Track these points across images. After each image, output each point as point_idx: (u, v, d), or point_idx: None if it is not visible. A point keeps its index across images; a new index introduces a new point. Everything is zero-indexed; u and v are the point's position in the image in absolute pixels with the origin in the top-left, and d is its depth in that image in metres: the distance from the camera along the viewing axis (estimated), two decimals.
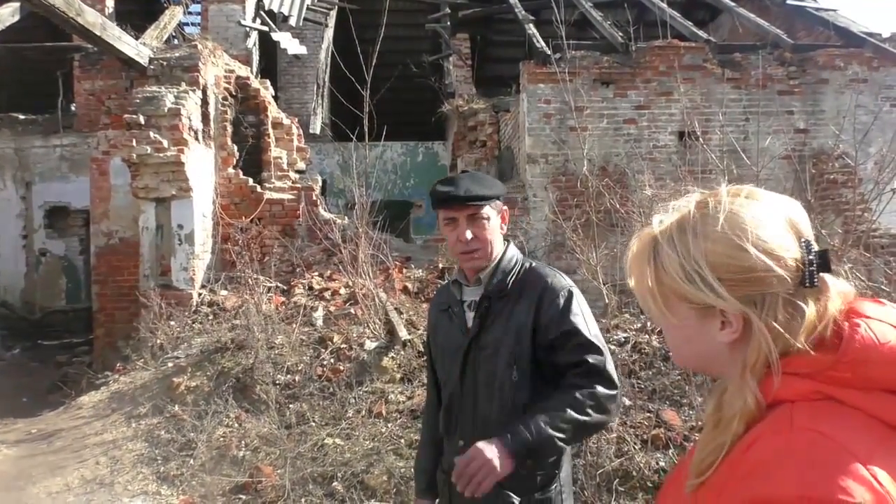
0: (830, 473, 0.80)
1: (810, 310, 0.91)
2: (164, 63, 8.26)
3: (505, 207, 2.14)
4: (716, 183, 6.06)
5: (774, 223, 0.94)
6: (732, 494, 0.87)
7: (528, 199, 8.80)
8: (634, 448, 4.01)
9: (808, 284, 0.91)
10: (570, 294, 1.98)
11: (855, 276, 5.43)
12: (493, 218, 2.04)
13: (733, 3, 11.86)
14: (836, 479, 0.80)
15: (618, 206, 6.02)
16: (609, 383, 1.89)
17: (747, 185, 1.02)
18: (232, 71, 9.09)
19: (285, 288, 7.34)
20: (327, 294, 6.93)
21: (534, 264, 2.12)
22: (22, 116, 12.08)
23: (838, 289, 0.93)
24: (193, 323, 6.79)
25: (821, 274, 0.92)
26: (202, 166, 8.10)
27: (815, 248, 0.93)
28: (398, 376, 5.17)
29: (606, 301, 5.76)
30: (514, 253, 2.13)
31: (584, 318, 1.96)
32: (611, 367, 1.93)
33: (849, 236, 5.51)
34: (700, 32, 10.12)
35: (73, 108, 11.86)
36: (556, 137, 8.96)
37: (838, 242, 5.43)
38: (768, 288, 0.91)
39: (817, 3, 12.07)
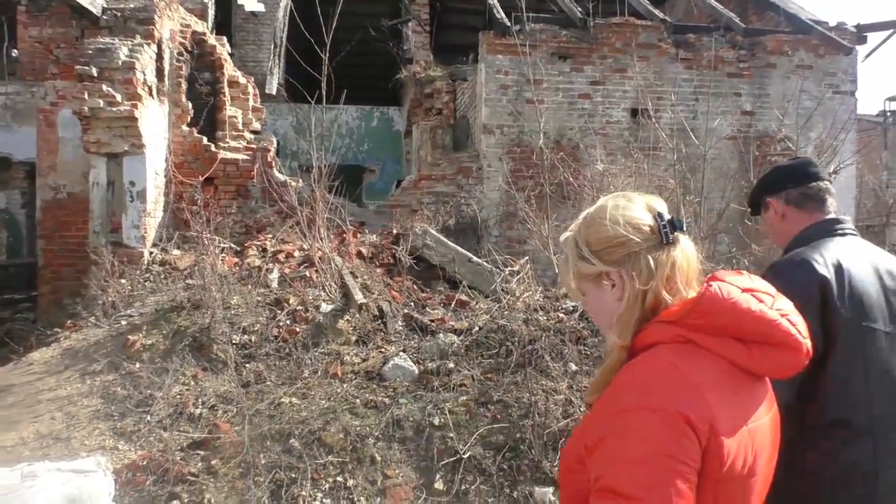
0: (669, 392, 1.15)
1: (669, 257, 1.26)
2: (118, 14, 8.03)
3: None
4: (664, 160, 6.35)
5: (633, 206, 1.31)
6: (609, 403, 1.21)
7: (482, 169, 8.94)
8: (580, 410, 4.26)
9: (665, 241, 1.27)
10: None
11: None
12: None
13: None
14: (672, 396, 1.15)
15: (570, 179, 6.21)
16: None
17: (621, 192, 1.40)
18: (188, 26, 8.89)
19: (239, 249, 7.34)
20: (281, 256, 6.97)
21: None
22: None
23: (688, 245, 1.30)
24: (145, 281, 6.75)
25: (676, 233, 1.28)
26: (156, 123, 7.95)
27: (667, 216, 1.28)
28: (353, 339, 5.30)
29: (556, 271, 5.98)
30: None
31: None
32: None
33: None
34: (656, 11, 10.32)
35: (14, 55, 11.38)
36: (512, 109, 9.08)
37: None
38: (632, 248, 1.27)
39: None
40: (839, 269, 1.93)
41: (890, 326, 1.92)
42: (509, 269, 5.71)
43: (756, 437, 1.22)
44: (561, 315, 5.34)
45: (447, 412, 4.39)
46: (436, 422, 4.39)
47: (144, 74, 7.69)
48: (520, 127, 8.98)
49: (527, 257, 5.86)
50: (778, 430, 1.34)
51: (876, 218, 12.26)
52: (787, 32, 10.16)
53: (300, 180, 8.29)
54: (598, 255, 1.30)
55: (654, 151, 7.40)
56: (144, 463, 4.18)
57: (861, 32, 10.31)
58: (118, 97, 7.27)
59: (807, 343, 1.25)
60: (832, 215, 2.11)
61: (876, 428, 1.87)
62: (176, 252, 7.29)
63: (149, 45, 7.90)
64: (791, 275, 1.92)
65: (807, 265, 1.94)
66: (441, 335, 5.24)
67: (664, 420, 1.13)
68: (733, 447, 1.16)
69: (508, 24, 9.32)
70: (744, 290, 1.24)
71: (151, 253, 7.35)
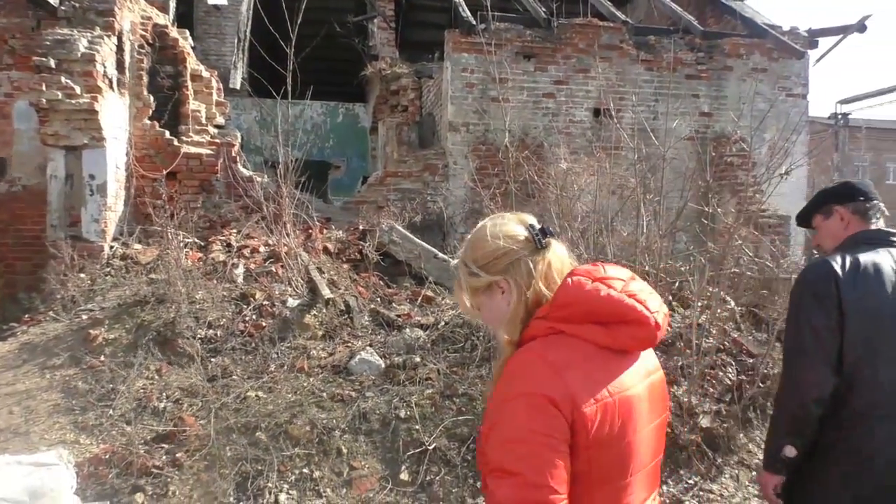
0: (535, 379, 1.35)
1: (545, 258, 1.48)
2: (77, 5, 7.88)
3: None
4: (626, 160, 6.47)
5: (508, 222, 1.53)
6: (497, 394, 1.41)
7: (448, 166, 9.01)
8: None
9: (539, 246, 1.48)
10: None
11: (743, 252, 5.98)
12: None
13: None
14: (537, 381, 1.34)
15: (535, 177, 6.31)
16: None
17: (497, 214, 1.61)
18: (149, 18, 8.76)
19: (202, 244, 7.27)
20: (246, 252, 6.93)
21: None
22: None
23: (559, 248, 1.52)
24: (106, 276, 6.65)
25: (548, 239, 1.49)
26: (116, 116, 7.83)
27: (538, 226, 1.50)
28: (320, 333, 5.32)
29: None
30: None
31: None
32: None
33: (741, 215, 6.02)
34: (618, 13, 10.52)
35: None
36: (477, 107, 9.17)
37: (731, 220, 5.93)
38: (514, 256, 1.47)
39: None
40: (854, 264, 2.23)
41: None
42: None
43: (626, 405, 1.40)
44: None
45: (413, 405, 4.46)
46: (402, 414, 4.45)
47: (105, 67, 7.57)
48: (485, 125, 9.08)
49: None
50: (659, 397, 1.53)
51: None
52: (743, 36, 10.46)
53: (265, 175, 8.25)
54: (485, 268, 1.50)
55: (616, 151, 7.55)
56: (107, 456, 4.15)
57: (813, 37, 10.67)
58: (77, 89, 7.14)
59: (654, 316, 1.43)
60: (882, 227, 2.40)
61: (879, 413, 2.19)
62: (137, 246, 7.20)
63: (109, 37, 7.78)
64: (805, 273, 2.35)
65: (825, 264, 2.26)
66: (407, 330, 5.29)
67: (530, 402, 1.33)
68: (597, 416, 1.35)
69: (474, 22, 9.41)
70: (595, 280, 1.44)
71: (112, 247, 7.24)
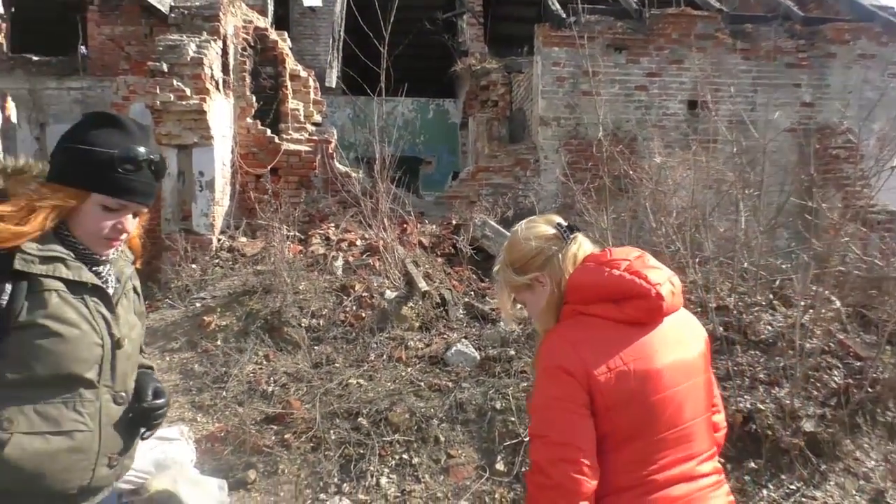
0: (554, 353, 1.55)
1: (571, 251, 1.65)
2: (185, 11, 8.37)
3: None
4: (722, 153, 6.34)
5: (536, 224, 1.72)
6: (537, 369, 1.59)
7: (539, 161, 9.04)
8: None
9: (567, 240, 1.66)
10: None
11: (849, 249, 5.75)
12: None
13: None
14: (555, 355, 1.54)
15: (629, 171, 6.26)
16: None
17: (532, 217, 1.81)
18: (251, 21, 9.19)
19: (302, 237, 7.61)
20: (344, 245, 7.21)
21: None
22: (35, 58, 12.11)
23: (586, 242, 1.70)
24: (215, 267, 7.07)
25: (574, 234, 1.68)
26: (222, 115, 8.28)
27: (564, 223, 1.70)
28: (417, 325, 5.49)
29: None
30: None
31: None
32: None
33: (847, 211, 5.79)
34: (713, 2, 10.23)
35: (83, 52, 11.90)
36: (568, 101, 9.14)
37: (837, 216, 5.71)
38: (547, 253, 1.66)
39: None
40: None
41: None
42: None
43: (644, 370, 1.55)
44: None
45: (509, 397, 4.55)
46: (497, 406, 4.55)
47: (211, 69, 8.02)
48: (576, 119, 9.04)
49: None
50: (696, 361, 1.66)
51: None
52: (847, 20, 9.95)
53: (361, 171, 8.52)
54: (523, 268, 1.69)
55: (713, 144, 7.39)
56: (222, 434, 4.45)
57: None
58: (187, 91, 7.60)
59: (654, 288, 1.58)
60: None
61: None
62: (243, 239, 7.60)
63: (215, 41, 8.23)
64: None
65: None
66: (501, 323, 5.39)
67: (548, 374, 1.55)
68: (612, 382, 1.52)
69: (564, 16, 9.37)
70: (600, 264, 1.62)
71: (219, 240, 7.68)
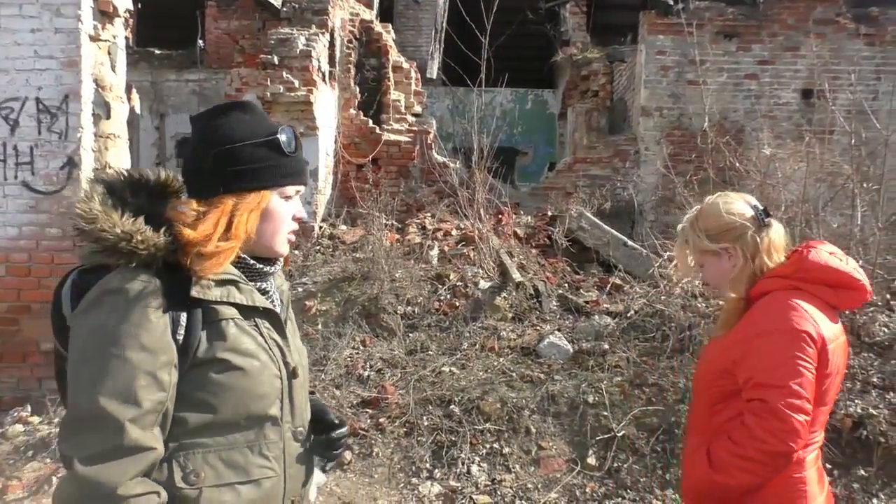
0: (795, 318, 1.75)
1: (768, 235, 1.87)
2: (296, 6, 8.69)
3: None
4: (838, 144, 6.00)
5: (734, 200, 1.91)
6: (747, 330, 1.81)
7: (639, 152, 8.82)
8: None
9: (763, 224, 1.87)
10: None
11: None
12: None
13: None
14: (796, 320, 1.75)
15: (737, 164, 6.03)
16: None
17: (721, 192, 2.00)
18: (357, 14, 9.43)
19: (399, 226, 7.77)
20: (439, 234, 7.31)
21: None
22: (157, 52, 12.93)
23: (778, 225, 1.90)
24: (316, 253, 7.35)
25: (769, 219, 1.88)
26: (327, 106, 8.56)
27: (761, 206, 1.89)
28: (510, 315, 5.52)
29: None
30: None
31: None
32: None
33: None
34: None
35: (201, 45, 12.59)
36: (672, 91, 8.87)
37: None
38: (742, 231, 1.87)
39: None
40: None
41: None
42: (667, 254, 5.67)
43: (839, 350, 1.83)
44: (721, 303, 5.25)
45: (602, 391, 4.50)
46: (590, 400, 4.51)
47: (319, 62, 8.29)
48: (680, 109, 8.76)
49: None
50: (847, 348, 1.93)
51: None
52: None
53: (458, 161, 8.60)
54: (716, 237, 1.89)
55: (829, 135, 6.98)
56: None
57: None
58: (296, 83, 7.91)
59: (868, 285, 1.86)
60: None
61: None
62: (343, 227, 7.85)
63: (323, 34, 8.50)
64: None
65: None
66: (595, 317, 5.33)
67: (792, 335, 1.73)
68: (833, 354, 1.78)
69: (671, 2, 9.07)
70: (829, 254, 1.86)
71: (321, 227, 7.96)
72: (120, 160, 6.26)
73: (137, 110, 11.14)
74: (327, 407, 1.71)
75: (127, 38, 10.92)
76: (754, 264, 1.87)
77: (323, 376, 5.08)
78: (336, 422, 1.67)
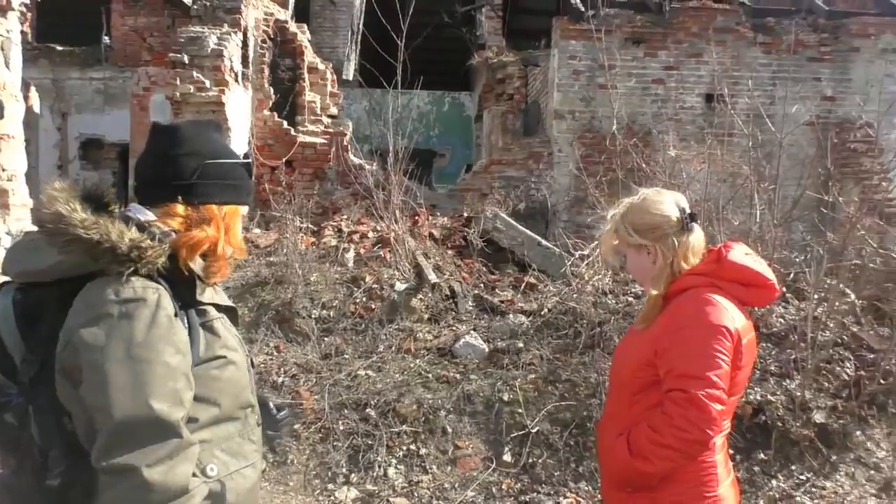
0: (714, 313, 1.85)
1: (688, 240, 1.96)
2: (207, 3, 8.45)
3: None
4: (739, 147, 6.27)
5: (664, 201, 1.99)
6: (670, 324, 1.90)
7: (553, 154, 9.00)
8: None
9: (686, 228, 1.95)
10: None
11: (866, 242, 5.67)
12: None
13: None
14: (716, 315, 1.85)
15: (643, 164, 6.23)
16: None
17: (656, 188, 2.11)
18: (271, 14, 9.26)
19: (315, 229, 7.65)
20: (356, 237, 7.25)
21: None
22: (59, 48, 12.26)
23: (699, 231, 2.00)
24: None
25: (693, 223, 1.96)
26: (240, 107, 8.35)
27: (688, 210, 1.96)
28: (426, 317, 5.51)
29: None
30: None
31: None
32: None
33: (864, 204, 5.71)
34: None
35: (106, 42, 12.04)
36: (584, 94, 9.10)
37: (853, 210, 5.64)
38: (664, 232, 1.96)
39: None
40: None
41: None
42: (579, 252, 5.81)
43: (751, 344, 1.96)
44: (630, 299, 5.42)
45: (516, 389, 4.56)
46: (505, 398, 4.56)
47: (231, 62, 8.09)
48: (591, 112, 9.00)
49: (595, 242, 5.93)
50: (756, 342, 2.08)
51: None
52: (873, 15, 9.79)
53: (374, 163, 8.56)
54: (639, 233, 1.98)
55: (729, 137, 7.31)
56: None
57: None
58: (207, 83, 7.68)
59: (776, 283, 2.00)
60: None
61: None
62: (257, 231, 7.67)
63: (235, 33, 8.30)
64: None
65: None
66: (510, 316, 5.40)
67: (713, 330, 1.83)
68: (746, 348, 1.90)
69: (583, 9, 9.31)
70: (746, 255, 1.98)
71: None
72: (15, 162, 5.92)
73: (37, 109, 10.55)
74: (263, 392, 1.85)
75: (24, 32, 10.32)
76: (672, 265, 1.96)
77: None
78: (276, 405, 1.85)
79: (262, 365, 5.08)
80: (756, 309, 5.09)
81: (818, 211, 5.95)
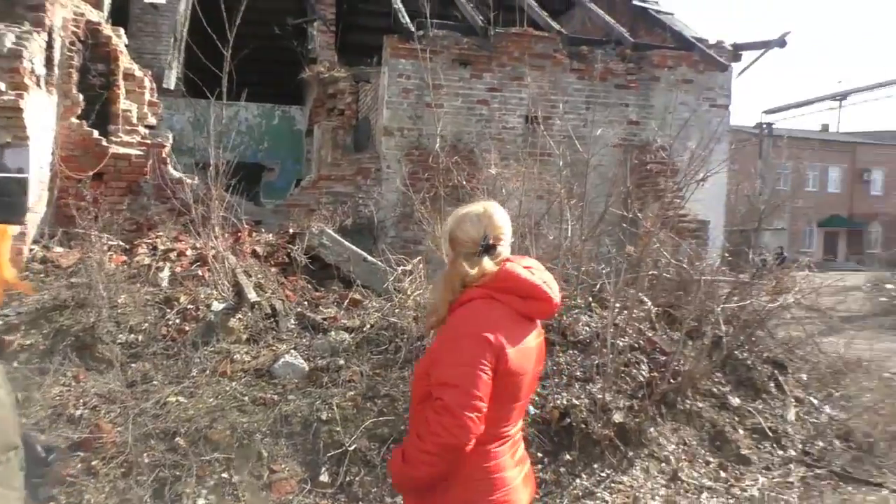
0: (478, 323, 1.96)
1: (478, 264, 2.05)
2: None
3: None
4: (555, 165, 6.63)
5: (474, 224, 2.10)
6: (447, 333, 2.02)
7: (381, 170, 9.08)
8: None
9: (480, 252, 2.05)
10: None
11: (661, 255, 6.22)
12: None
13: None
14: (479, 325, 1.95)
15: (464, 182, 6.44)
16: None
17: (487, 201, 2.28)
18: (82, 14, 8.56)
19: (128, 247, 7.15)
20: (173, 255, 6.84)
21: None
22: None
23: (489, 261, 2.06)
24: (24, 280, 6.48)
25: (485, 254, 2.05)
26: (42, 114, 7.63)
27: (488, 239, 2.07)
28: (244, 337, 5.31)
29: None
30: None
31: None
32: None
33: (657, 219, 6.27)
34: (553, 23, 10.76)
35: None
36: (412, 112, 9.28)
37: (650, 224, 6.17)
38: (462, 249, 2.09)
39: (658, 5, 13.13)
40: None
41: None
42: (402, 268, 5.88)
43: (525, 352, 2.04)
44: None
45: (335, 407, 4.50)
46: (323, 416, 4.49)
47: (32, 63, 7.37)
48: (419, 130, 9.18)
49: (420, 257, 6.04)
50: (541, 355, 2.18)
51: (749, 223, 13.12)
52: (671, 48, 10.83)
53: (196, 177, 8.16)
54: (449, 242, 2.15)
55: (546, 157, 7.75)
56: None
57: (737, 51, 11.13)
58: (2, 86, 6.94)
59: (555, 297, 2.10)
60: None
61: None
62: (59, 249, 7.03)
63: (38, 33, 7.57)
64: None
65: None
66: (333, 333, 5.34)
67: (473, 339, 1.93)
68: (513, 356, 1.97)
69: (412, 29, 9.50)
70: (524, 268, 2.07)
71: (32, 250, 7.05)
72: None
73: None
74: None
75: None
76: (463, 279, 2.07)
77: (24, 420, 4.46)
78: (45, 446, 1.80)
79: (58, 397, 4.64)
80: (564, 318, 5.43)
81: (621, 226, 6.45)
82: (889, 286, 21.95)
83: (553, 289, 2.10)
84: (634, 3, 12.84)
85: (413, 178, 8.04)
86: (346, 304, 5.88)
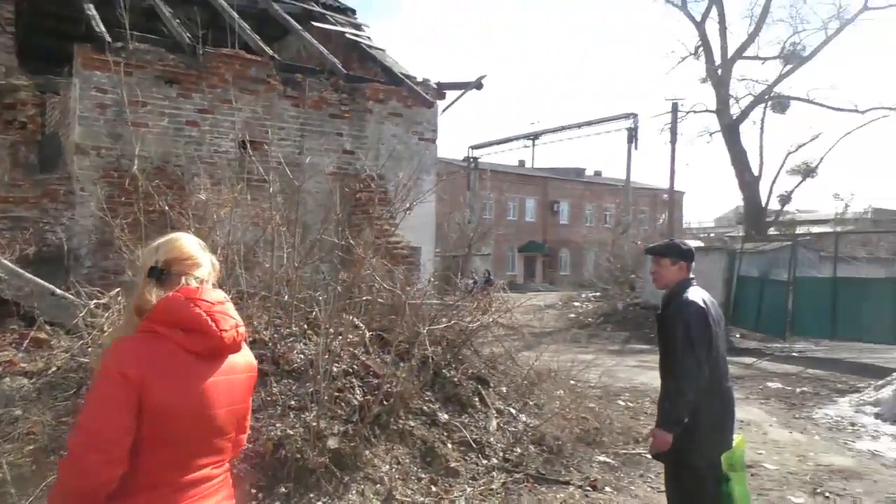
0: (117, 359, 1.80)
1: (150, 287, 1.95)
2: None
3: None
4: (268, 191, 6.52)
5: (152, 248, 2.04)
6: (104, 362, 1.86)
7: (73, 193, 8.13)
8: None
9: (156, 278, 1.96)
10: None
11: (375, 280, 6.45)
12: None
13: (300, 28, 12.69)
14: (117, 361, 1.80)
15: (167, 208, 6.05)
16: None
17: (185, 234, 2.16)
18: None
19: None
20: None
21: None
22: None
23: (158, 291, 1.95)
24: None
25: (151, 276, 1.97)
26: None
27: (160, 266, 1.96)
28: None
29: None
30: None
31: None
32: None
33: (369, 246, 6.50)
34: (266, 48, 10.65)
35: None
36: (111, 130, 8.49)
37: (363, 251, 6.37)
38: (140, 277, 1.99)
39: (370, 40, 13.72)
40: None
41: (720, 330, 3.81)
42: (95, 301, 5.31)
43: (195, 391, 1.88)
44: None
45: (4, 466, 3.88)
46: None
47: None
48: (120, 150, 8.43)
49: (118, 289, 5.50)
50: (240, 392, 2.03)
51: (459, 249, 14.30)
52: (382, 83, 11.38)
53: None
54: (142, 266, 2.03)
55: (261, 183, 7.60)
56: None
57: (441, 89, 12.06)
58: None
59: (222, 333, 1.91)
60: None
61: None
62: None
63: None
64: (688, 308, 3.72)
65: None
66: (7, 380, 4.62)
67: (107, 375, 1.79)
68: (167, 394, 1.81)
69: (108, 38, 8.71)
70: (188, 298, 1.90)
71: None
72: None
73: None
74: None
75: None
76: (136, 310, 1.97)
77: None
78: None
79: None
80: (278, 347, 5.35)
81: (336, 253, 6.56)
82: (576, 304, 25.50)
83: (223, 323, 1.92)
84: (348, 36, 13.28)
85: (111, 202, 7.34)
86: (26, 344, 5.13)
